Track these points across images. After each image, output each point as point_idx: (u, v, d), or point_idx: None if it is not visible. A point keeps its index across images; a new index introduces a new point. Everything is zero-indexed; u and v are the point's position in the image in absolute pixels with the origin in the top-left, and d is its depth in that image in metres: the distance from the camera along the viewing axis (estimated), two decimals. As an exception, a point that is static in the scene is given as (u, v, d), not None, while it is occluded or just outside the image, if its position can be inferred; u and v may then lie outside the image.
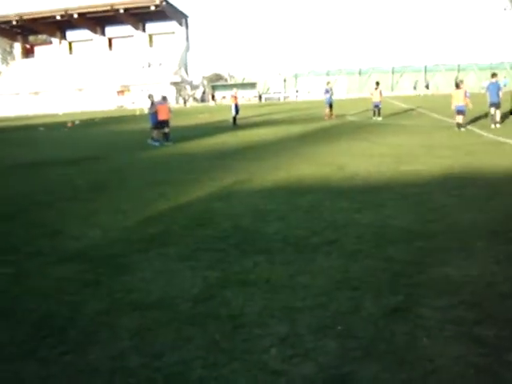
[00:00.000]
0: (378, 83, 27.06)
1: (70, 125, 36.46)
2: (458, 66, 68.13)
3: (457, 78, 64.55)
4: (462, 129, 18.79)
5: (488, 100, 19.55)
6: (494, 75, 20.35)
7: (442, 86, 67.53)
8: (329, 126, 23.13)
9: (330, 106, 27.74)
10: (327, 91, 28.27)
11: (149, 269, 5.92)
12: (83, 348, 4.17)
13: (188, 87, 73.22)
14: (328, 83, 30.21)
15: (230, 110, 26.84)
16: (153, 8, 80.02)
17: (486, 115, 21.22)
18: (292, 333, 4.18)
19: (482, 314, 4.30)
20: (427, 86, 65.12)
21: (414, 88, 64.36)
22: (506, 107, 22.03)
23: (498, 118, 19.30)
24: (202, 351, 3.99)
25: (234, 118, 26.22)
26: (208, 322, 4.49)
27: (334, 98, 28.82)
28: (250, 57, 73.45)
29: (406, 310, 4.46)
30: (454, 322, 4.20)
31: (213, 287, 5.27)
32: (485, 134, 17.21)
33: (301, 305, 4.71)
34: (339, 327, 4.23)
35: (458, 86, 19.55)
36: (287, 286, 5.19)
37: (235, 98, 26.89)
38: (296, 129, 22.56)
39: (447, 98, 45.03)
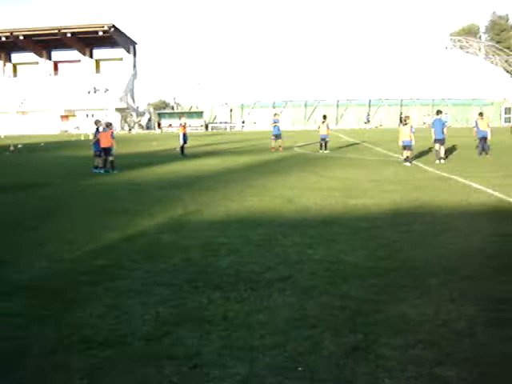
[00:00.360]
0: (325, 117, 27.56)
1: (11, 149, 35.42)
2: (401, 101, 70.15)
3: (401, 113, 66.58)
4: (408, 164, 19.25)
5: (433, 136, 20.16)
6: (438, 112, 21.09)
7: (385, 120, 69.38)
8: (277, 158, 23.28)
9: (278, 137, 27.79)
10: (275, 122, 28.46)
11: (98, 304, 5.69)
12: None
13: (134, 114, 72.65)
14: (275, 115, 30.59)
15: (178, 138, 26.65)
16: (101, 33, 79.44)
17: (430, 150, 21.82)
18: (252, 374, 4.07)
19: (441, 354, 4.30)
20: (368, 121, 66.76)
21: (368, 121, 65.85)
22: (450, 143, 22.70)
23: (442, 154, 19.91)
24: (159, 395, 3.83)
25: (182, 147, 26.04)
26: (163, 362, 4.32)
27: (281, 129, 28.99)
28: (196, 86, 73.70)
29: (365, 350, 4.42)
30: (414, 362, 4.18)
31: (166, 324, 5.10)
32: (430, 169, 17.68)
33: (259, 344, 4.60)
34: (300, 368, 4.15)
35: (404, 121, 20.13)
36: (244, 324, 5.08)
37: (184, 127, 26.78)
38: (245, 160, 22.61)
39: (391, 132, 46.44)
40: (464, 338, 4.64)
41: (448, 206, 10.88)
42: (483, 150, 22.04)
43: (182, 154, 25.80)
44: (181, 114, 43.19)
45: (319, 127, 27.22)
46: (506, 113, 69.69)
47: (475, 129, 22.87)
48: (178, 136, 26.70)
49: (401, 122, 56.76)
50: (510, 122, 68.13)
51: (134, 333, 4.91)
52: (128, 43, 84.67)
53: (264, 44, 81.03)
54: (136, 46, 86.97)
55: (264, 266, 7.02)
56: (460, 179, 14.90)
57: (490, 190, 12.64)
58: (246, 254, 7.67)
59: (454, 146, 25.59)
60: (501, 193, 12.20)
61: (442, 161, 19.65)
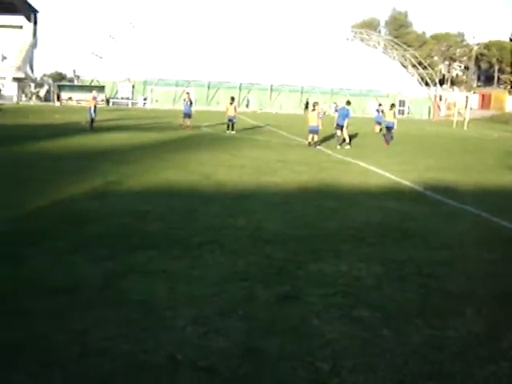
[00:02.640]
0: (233, 98, 28.35)
1: None
2: (302, 88, 72.08)
3: (307, 100, 68.50)
4: (317, 147, 20.47)
5: (335, 121, 21.48)
6: (348, 103, 22.57)
7: (285, 105, 71.04)
8: (186, 136, 23.69)
9: (188, 116, 28.14)
10: (186, 101, 28.97)
11: (44, 260, 6.08)
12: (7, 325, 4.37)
13: (32, 85, 69.65)
14: (188, 93, 31.19)
15: (88, 111, 26.28)
16: (-1, -2, 75.19)
17: (332, 136, 23.12)
18: (201, 315, 4.71)
19: (357, 301, 5.17)
20: (247, 105, 67.87)
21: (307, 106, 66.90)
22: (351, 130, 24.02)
23: (347, 139, 21.28)
24: (123, 329, 4.37)
25: (92, 121, 25.73)
26: (121, 305, 4.86)
27: (192, 108, 29.38)
28: (98, 59, 71.95)
29: (294, 298, 5.19)
30: (335, 306, 5.02)
31: (114, 276, 5.61)
32: (332, 153, 18.87)
33: (200, 293, 5.24)
34: (240, 311, 4.83)
35: (313, 107, 21.35)
36: (184, 276, 5.69)
37: (95, 100, 26.66)
38: (154, 136, 22.82)
39: (293, 117, 47.94)
40: (373, 289, 5.53)
41: (352, 186, 11.96)
42: (385, 138, 23.68)
43: (91, 127, 25.53)
44: (93, 88, 42.07)
45: (227, 108, 27.85)
46: (400, 105, 73.50)
47: (383, 118, 24.58)
48: (89, 109, 26.33)
49: (306, 108, 58.80)
50: (403, 114, 72.15)
51: (87, 283, 5.40)
52: (29, 11, 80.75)
53: (170, 21, 79.92)
54: (37, 14, 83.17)
55: (191, 231, 7.64)
56: (361, 163, 16.14)
57: (387, 174, 13.92)
58: (173, 220, 8.22)
59: (355, 134, 27.11)
60: (397, 176, 13.49)
61: (347, 146, 20.96)
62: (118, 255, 6.33)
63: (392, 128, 23.84)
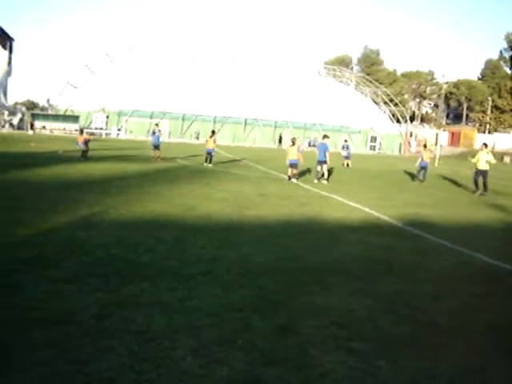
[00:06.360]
0: (213, 132, 28.74)
1: None
2: (275, 122, 72.90)
3: (280, 135, 69.36)
4: (294, 180, 20.84)
5: (316, 158, 21.86)
6: (325, 137, 22.99)
7: (259, 139, 71.64)
8: (165, 168, 23.81)
9: (157, 147, 28.13)
10: (154, 133, 29.10)
11: (39, 289, 6.12)
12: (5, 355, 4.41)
13: (6, 112, 69.15)
14: (157, 125, 31.49)
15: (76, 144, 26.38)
16: (-26, 26, 75.08)
17: (308, 171, 23.47)
18: (200, 345, 4.81)
19: (352, 333, 5.32)
20: (197, 137, 67.45)
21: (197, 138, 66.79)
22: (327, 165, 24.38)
23: (325, 175, 21.64)
24: (125, 359, 4.46)
25: (83, 152, 25.88)
26: (120, 335, 4.94)
27: (161, 140, 29.55)
28: (73, 89, 71.87)
29: (290, 329, 5.33)
30: (331, 337, 5.17)
31: (109, 307, 5.68)
32: (310, 188, 19.17)
33: (199, 323, 5.35)
34: (240, 341, 4.96)
35: (292, 142, 21.81)
36: (180, 308, 5.79)
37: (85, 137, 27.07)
38: (133, 167, 22.91)
39: (267, 151, 48.43)
40: (366, 322, 5.70)
41: (333, 220, 12.20)
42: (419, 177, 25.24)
43: (84, 157, 25.67)
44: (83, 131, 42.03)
45: (207, 141, 28.07)
46: (371, 141, 74.91)
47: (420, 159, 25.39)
48: (77, 143, 26.58)
49: (280, 142, 60.07)
50: (374, 149, 73.47)
51: (82, 313, 5.45)
52: (5, 39, 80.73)
53: (146, 53, 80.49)
54: (13, 42, 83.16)
55: (182, 262, 7.74)
56: (339, 198, 16.44)
57: (366, 209, 14.21)
58: (162, 251, 8.31)
59: (330, 168, 27.52)
60: (376, 211, 13.78)
61: (324, 181, 21.31)
62: (111, 286, 6.40)
63: (426, 168, 25.23)
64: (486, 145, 21.59)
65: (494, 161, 21.15)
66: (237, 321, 5.47)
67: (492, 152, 22.22)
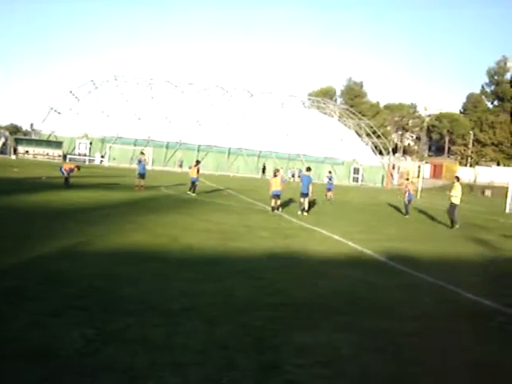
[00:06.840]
0: (198, 161, 28.77)
1: None
2: (259, 152, 73.24)
3: (264, 164, 69.70)
4: (277, 211, 20.91)
5: (300, 190, 21.92)
6: (308, 169, 23.04)
7: (242, 169, 71.86)
8: (148, 197, 23.73)
9: (142, 176, 28.03)
10: (140, 161, 29.00)
11: (24, 321, 6.04)
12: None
13: (-11, 137, 68.84)
14: (143, 153, 31.52)
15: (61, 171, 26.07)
16: (-43, 49, 75.10)
17: (291, 201, 23.51)
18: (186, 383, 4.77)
19: (337, 372, 5.31)
20: (181, 165, 67.33)
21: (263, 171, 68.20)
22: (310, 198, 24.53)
23: (306, 207, 21.65)
24: (109, 399, 4.40)
25: (66, 178, 25.48)
26: (103, 374, 4.87)
27: (147, 168, 29.52)
28: (57, 114, 71.72)
29: (276, 367, 5.30)
30: (316, 376, 5.14)
31: (94, 342, 5.61)
32: (294, 220, 19.20)
33: (184, 361, 5.30)
34: (224, 380, 4.91)
35: (274, 174, 21.93)
36: (166, 345, 5.73)
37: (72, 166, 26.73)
38: (117, 195, 22.83)
39: (250, 181, 48.57)
40: (352, 359, 5.68)
41: (317, 254, 12.22)
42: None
43: (66, 183, 25.28)
44: (70, 162, 41.56)
45: (192, 170, 28.07)
46: (354, 172, 75.48)
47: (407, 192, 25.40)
48: (60, 168, 26.15)
49: (263, 172, 60.48)
50: (357, 181, 74.03)
51: (66, 348, 5.38)
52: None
53: (130, 81, 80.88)
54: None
55: (166, 296, 7.69)
56: (323, 231, 16.47)
57: (350, 243, 14.25)
58: (146, 284, 8.26)
59: (313, 200, 27.60)
60: (359, 245, 13.83)
61: (305, 213, 21.37)
62: (94, 320, 6.33)
63: (411, 201, 25.60)
64: (457, 178, 22.04)
65: (459, 193, 21.29)
66: (221, 359, 5.43)
67: (462, 185, 22.44)
